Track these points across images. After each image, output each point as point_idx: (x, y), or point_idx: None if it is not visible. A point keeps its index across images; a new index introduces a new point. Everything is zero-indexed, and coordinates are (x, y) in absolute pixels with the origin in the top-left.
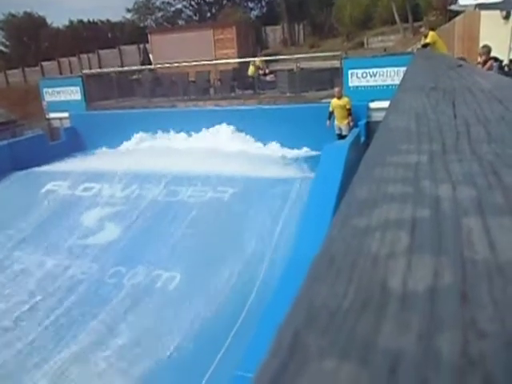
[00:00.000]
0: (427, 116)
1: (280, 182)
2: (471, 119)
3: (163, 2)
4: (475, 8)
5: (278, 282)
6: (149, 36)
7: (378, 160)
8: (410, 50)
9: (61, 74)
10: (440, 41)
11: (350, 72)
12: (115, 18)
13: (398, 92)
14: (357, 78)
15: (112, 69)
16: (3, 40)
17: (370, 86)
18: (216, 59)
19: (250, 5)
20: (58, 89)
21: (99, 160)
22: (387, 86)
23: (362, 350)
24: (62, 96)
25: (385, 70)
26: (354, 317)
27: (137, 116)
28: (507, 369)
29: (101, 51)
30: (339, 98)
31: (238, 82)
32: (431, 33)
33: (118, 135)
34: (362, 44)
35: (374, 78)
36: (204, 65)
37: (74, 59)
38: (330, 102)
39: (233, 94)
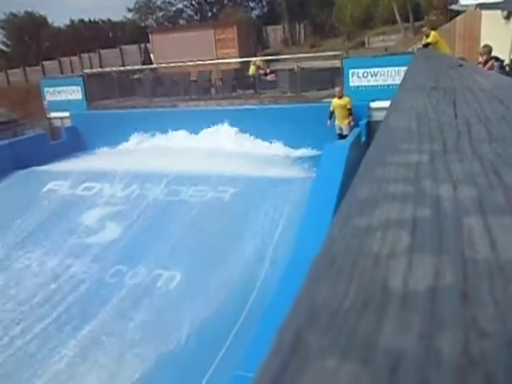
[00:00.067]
0: (428, 116)
1: (281, 182)
2: (472, 119)
3: (164, 2)
4: (476, 8)
5: (279, 282)
6: (150, 36)
7: (378, 160)
8: (410, 49)
9: (62, 73)
10: (442, 40)
11: (350, 72)
12: (116, 17)
13: (398, 92)
14: (358, 78)
15: (113, 68)
16: (4, 39)
17: (371, 86)
18: (217, 59)
19: (251, 4)
20: (58, 88)
21: (100, 159)
22: (388, 85)
23: (363, 350)
24: (63, 95)
25: (386, 69)
26: (354, 316)
27: (138, 116)
28: (508, 368)
29: (102, 51)
30: (340, 97)
31: (239, 82)
32: (433, 32)
33: (118, 135)
34: (362, 44)
35: (374, 77)
36: (205, 64)
37: (75, 59)
38: (330, 102)
39: (234, 94)
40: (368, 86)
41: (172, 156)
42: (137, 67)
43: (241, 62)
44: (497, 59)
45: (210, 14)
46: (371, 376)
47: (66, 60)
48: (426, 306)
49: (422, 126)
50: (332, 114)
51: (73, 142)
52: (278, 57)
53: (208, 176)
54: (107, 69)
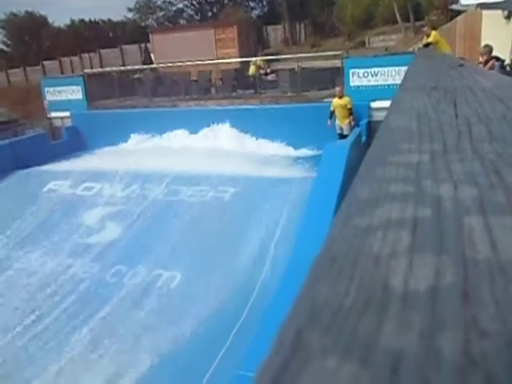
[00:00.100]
0: (428, 115)
1: (281, 182)
2: (472, 119)
3: (164, 2)
4: (477, 7)
5: (279, 282)
6: (150, 35)
7: (379, 159)
8: (411, 49)
9: (62, 73)
10: (442, 40)
11: (351, 71)
12: (116, 17)
13: (399, 91)
14: (358, 78)
15: (113, 68)
16: (5, 39)
17: (372, 86)
18: (217, 59)
19: (252, 4)
20: (59, 88)
21: (100, 159)
22: (388, 85)
23: (364, 349)
24: (64, 95)
25: (386, 69)
26: (355, 316)
27: (138, 115)
28: (509, 368)
29: (102, 50)
30: (340, 97)
31: (239, 82)
32: (433, 32)
33: (119, 135)
34: (363, 43)
35: (375, 77)
36: (205, 64)
37: (75, 58)
38: (331, 102)
39: (234, 94)
40: (368, 86)
41: (172, 156)
42: (137, 67)
43: (241, 62)
44: (497, 59)
45: (210, 13)
46: (372, 376)
47: (66, 60)
48: (427, 305)
49: (423, 125)
50: (332, 113)
51: (73, 142)
52: (278, 57)
53: (208, 176)
54: (107, 69)
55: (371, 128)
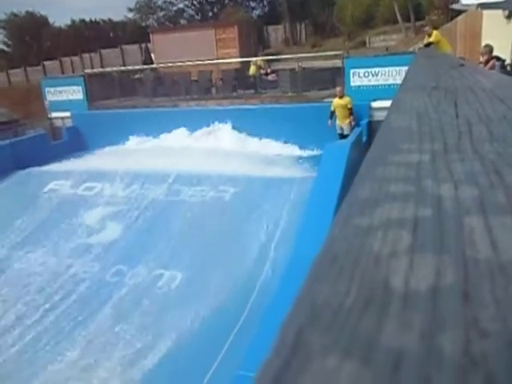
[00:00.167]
0: (429, 115)
1: (281, 182)
2: (473, 118)
3: (165, 2)
4: (477, 7)
5: (280, 281)
6: (151, 35)
7: (379, 159)
8: (411, 49)
9: (63, 73)
10: (444, 40)
11: (351, 71)
12: (117, 17)
13: (399, 91)
14: (359, 78)
15: (114, 68)
16: (5, 39)
17: (372, 86)
18: (218, 59)
19: (252, 4)
20: (60, 88)
21: (101, 159)
22: (389, 85)
23: (365, 349)
24: (64, 95)
25: (387, 69)
26: (356, 315)
27: (138, 115)
28: (509, 368)
29: (103, 51)
30: (341, 97)
31: (239, 82)
32: (435, 32)
33: (119, 135)
34: (363, 43)
35: (375, 77)
36: (206, 64)
37: (75, 59)
38: (331, 102)
39: (235, 94)
40: (369, 86)
41: (173, 156)
42: (138, 67)
43: (241, 62)
44: (498, 59)
45: (210, 13)
46: (372, 375)
47: (66, 60)
48: (428, 305)
49: (423, 125)
50: (333, 113)
51: (74, 142)
52: (278, 56)
53: (208, 176)
54: (108, 69)
55: (372, 128)
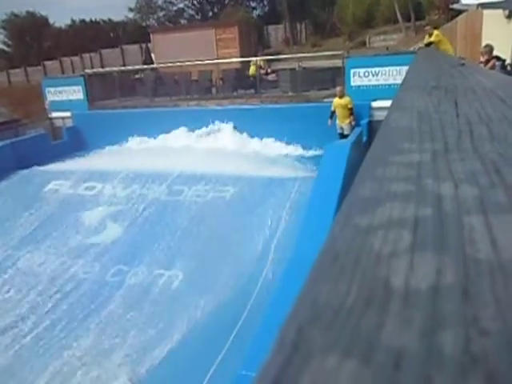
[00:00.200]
0: (429, 115)
1: (282, 182)
2: (473, 118)
3: (165, 2)
4: (477, 7)
5: (280, 281)
6: (151, 35)
7: (380, 159)
8: (412, 49)
9: (63, 73)
10: (445, 40)
11: (352, 71)
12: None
13: (400, 91)
14: (359, 78)
15: (114, 68)
16: (6, 39)
17: (372, 86)
18: (218, 58)
19: (252, 4)
20: (60, 88)
21: (101, 159)
22: (389, 85)
23: (365, 348)
24: (65, 95)
25: (387, 69)
26: (357, 315)
27: (139, 116)
28: (510, 367)
29: (103, 51)
30: (341, 97)
31: (240, 82)
32: (436, 31)
33: (119, 135)
34: (364, 43)
35: (376, 77)
36: (206, 64)
37: (76, 59)
38: (332, 102)
39: (235, 94)
40: (369, 86)
41: (173, 156)
42: (138, 67)
43: (242, 62)
44: (498, 59)
45: (211, 13)
46: (373, 374)
47: (67, 60)
48: (428, 304)
49: (424, 125)
50: (333, 113)
51: (74, 142)
52: (279, 56)
53: (209, 176)
54: (108, 69)
55: (372, 128)
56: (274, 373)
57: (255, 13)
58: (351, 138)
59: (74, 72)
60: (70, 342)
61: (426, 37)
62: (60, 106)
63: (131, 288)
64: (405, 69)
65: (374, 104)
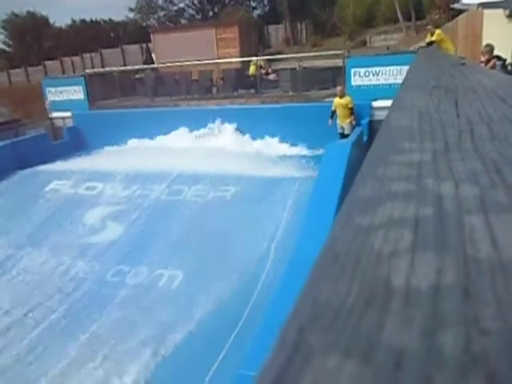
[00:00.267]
0: (430, 114)
1: (282, 181)
2: (474, 117)
3: (165, 1)
4: (478, 7)
5: (281, 281)
6: (151, 35)
7: (380, 159)
8: (412, 48)
9: (63, 73)
10: (446, 39)
11: (352, 71)
12: (118, 17)
13: (400, 91)
14: (359, 77)
15: (114, 68)
16: (6, 39)
17: (373, 85)
18: (218, 58)
19: (253, 4)
20: (60, 88)
21: (102, 159)
22: (390, 84)
23: (366, 348)
24: (65, 95)
25: (387, 68)
26: (357, 314)
27: (139, 115)
28: (510, 366)
29: (103, 50)
30: (341, 96)
31: (240, 81)
32: (437, 31)
33: (120, 134)
34: (364, 43)
35: (376, 76)
36: (206, 64)
37: (76, 58)
38: (332, 101)
39: (235, 93)
40: (370, 85)
41: (173, 155)
42: (138, 67)
43: (242, 62)
44: (499, 58)
45: (211, 13)
46: (374, 373)
47: (67, 60)
48: (428, 303)
49: (424, 124)
50: (333, 113)
51: (74, 142)
52: (279, 56)
53: (209, 175)
54: (109, 69)
55: (373, 127)
56: (274, 372)
57: (255, 12)
58: (352, 138)
59: (74, 72)
60: (70, 342)
61: (428, 36)
62: (60, 105)
63: (131, 288)
64: (405, 68)
65: (375, 104)
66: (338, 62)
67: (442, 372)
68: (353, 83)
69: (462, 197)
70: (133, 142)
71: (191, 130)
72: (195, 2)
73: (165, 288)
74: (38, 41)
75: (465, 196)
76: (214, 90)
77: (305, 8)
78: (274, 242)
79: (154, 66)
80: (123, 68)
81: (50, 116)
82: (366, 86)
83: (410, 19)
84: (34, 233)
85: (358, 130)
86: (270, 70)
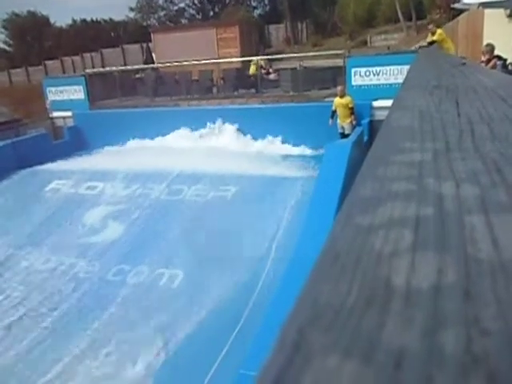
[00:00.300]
0: (431, 114)
1: (283, 181)
2: (475, 117)
3: (166, 1)
4: (479, 6)
5: (281, 281)
6: (152, 35)
7: (381, 158)
8: (413, 48)
9: (64, 73)
10: (447, 39)
11: (353, 71)
12: (118, 17)
13: (401, 90)
14: (360, 77)
15: (115, 68)
16: (7, 39)
17: (374, 85)
18: (219, 58)
19: (253, 3)
20: (61, 88)
21: (102, 159)
22: (390, 84)
23: (366, 348)
24: (66, 95)
25: (388, 68)
26: (357, 314)
27: (140, 115)
28: (511, 366)
29: (104, 50)
30: (342, 96)
31: (240, 81)
32: (439, 30)
33: (120, 134)
34: (365, 42)
35: (377, 76)
36: (207, 64)
37: (77, 58)
38: (332, 101)
39: (236, 93)
40: (370, 85)
41: (174, 155)
42: (138, 67)
43: (243, 62)
44: (499, 58)
45: (211, 13)
46: (374, 374)
47: (68, 60)
48: (429, 303)
49: (425, 124)
50: (334, 113)
51: (75, 142)
52: (280, 56)
53: (210, 175)
54: (109, 68)
55: (373, 127)
56: (275, 372)
57: (256, 12)
58: (352, 138)
59: (74, 72)
60: (70, 342)
61: (429, 35)
62: (61, 105)
63: (132, 287)
64: (406, 68)
65: (375, 103)
66: (339, 62)
67: (443, 372)
68: (353, 83)
69: (463, 196)
70: (133, 142)
71: (191, 130)
72: (196, 1)
73: (165, 287)
74: (38, 40)
75: (465, 196)
76: (215, 89)
77: (305, 8)
78: (274, 241)
79: (155, 65)
80: (123, 68)
81: (50, 116)
82: (367, 85)
83: (410, 19)
84: (35, 232)
85: (358, 129)
86: (270, 70)
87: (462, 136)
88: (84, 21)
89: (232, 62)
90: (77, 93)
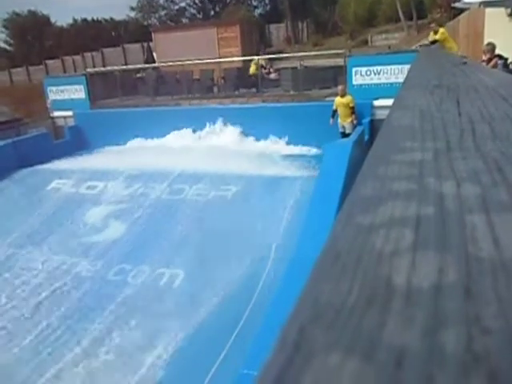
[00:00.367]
0: (431, 113)
1: (283, 180)
2: (475, 117)
3: (167, 1)
4: (479, 5)
5: (282, 280)
6: (152, 34)
7: (382, 158)
8: (414, 47)
9: (65, 72)
10: (450, 38)
11: (353, 70)
12: (119, 16)
13: (402, 90)
14: (361, 76)
15: (116, 67)
16: (7, 39)
17: (374, 84)
18: (220, 57)
19: (254, 3)
20: (62, 87)
21: (103, 158)
22: (391, 83)
23: (367, 347)
24: (66, 94)
25: (389, 67)
26: (358, 313)
27: (140, 114)
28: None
29: (104, 50)
30: (342, 96)
31: (241, 81)
32: (441, 29)
33: (121, 134)
34: (365, 42)
35: (378, 75)
36: (208, 63)
37: (77, 58)
38: (333, 100)
39: (236, 93)
40: (371, 85)
41: (175, 155)
42: (139, 66)
43: (243, 61)
44: (500, 57)
45: (212, 12)
46: (375, 373)
47: (68, 59)
48: (430, 302)
49: (426, 123)
50: (335, 112)
51: (76, 141)
52: (280, 55)
53: (211, 174)
54: (110, 68)
55: (374, 126)
56: (275, 372)
57: (257, 11)
58: (353, 137)
59: (75, 71)
60: (70, 341)
61: (431, 34)
62: (62, 105)
63: (133, 287)
64: (407, 67)
65: (376, 103)
66: (340, 61)
67: (444, 371)
68: (354, 82)
69: (464, 196)
70: (134, 142)
71: (192, 129)
72: (196, 1)
73: (166, 287)
74: (39, 40)
75: (466, 195)
76: (216, 89)
77: (306, 7)
78: (275, 241)
79: (156, 65)
80: (124, 67)
81: (51, 115)
82: (368, 85)
83: (411, 18)
84: (35, 232)
85: (359, 129)
86: (271, 69)
87: (462, 135)
88: (85, 20)
89: (233, 62)
90: (77, 92)
